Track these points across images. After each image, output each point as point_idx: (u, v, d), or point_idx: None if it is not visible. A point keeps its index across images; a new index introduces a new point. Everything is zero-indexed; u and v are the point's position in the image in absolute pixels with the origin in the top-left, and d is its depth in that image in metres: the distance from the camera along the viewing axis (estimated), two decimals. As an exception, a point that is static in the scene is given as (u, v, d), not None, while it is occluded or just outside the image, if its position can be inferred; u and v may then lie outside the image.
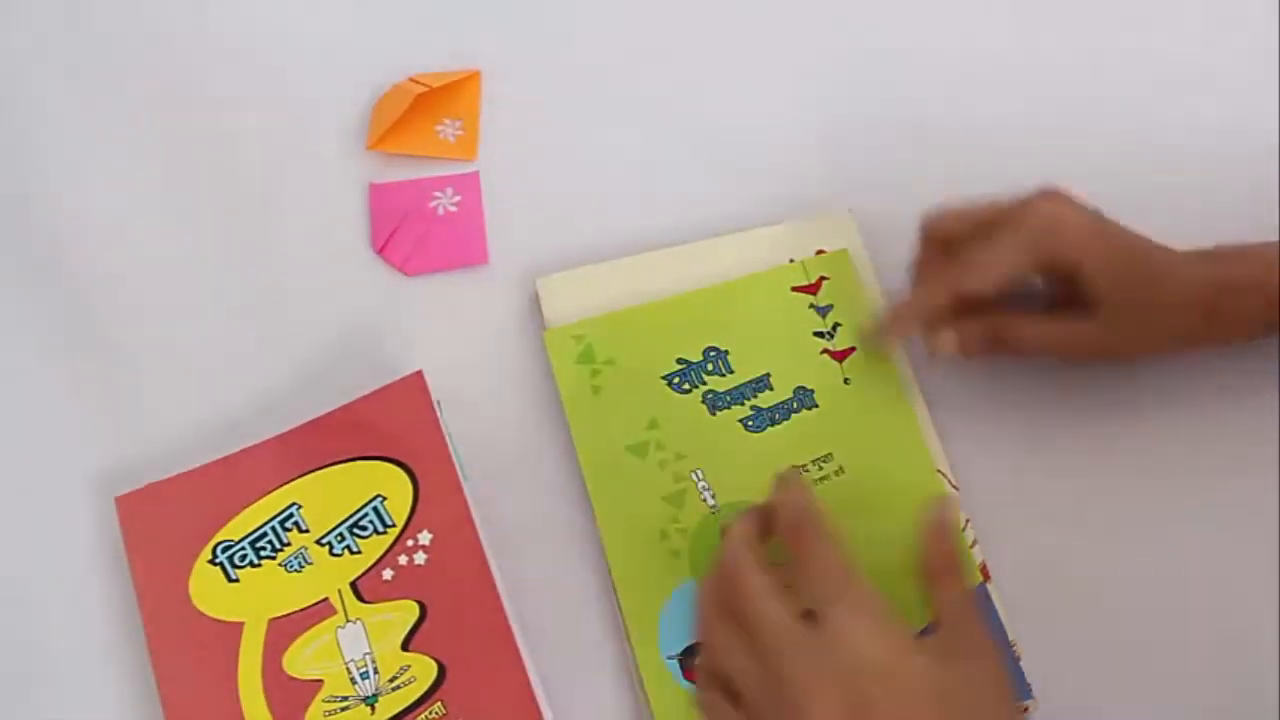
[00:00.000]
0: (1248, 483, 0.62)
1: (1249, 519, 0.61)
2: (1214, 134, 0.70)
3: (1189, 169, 0.68)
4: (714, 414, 0.63)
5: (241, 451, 0.61)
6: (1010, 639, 0.59)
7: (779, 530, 0.53)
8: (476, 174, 0.70)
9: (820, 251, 0.66)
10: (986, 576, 0.60)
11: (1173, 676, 0.59)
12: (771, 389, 0.63)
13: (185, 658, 0.58)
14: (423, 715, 0.57)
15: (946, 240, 0.62)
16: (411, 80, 0.71)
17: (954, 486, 0.62)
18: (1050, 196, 0.60)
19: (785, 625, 0.49)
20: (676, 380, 0.63)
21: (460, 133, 0.70)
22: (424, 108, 0.70)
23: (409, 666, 0.58)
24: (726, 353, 0.64)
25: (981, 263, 0.59)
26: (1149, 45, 0.72)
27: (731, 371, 0.63)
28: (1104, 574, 0.61)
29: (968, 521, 0.61)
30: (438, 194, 0.70)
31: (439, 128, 0.70)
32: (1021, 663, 0.58)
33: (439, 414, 0.61)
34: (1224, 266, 0.60)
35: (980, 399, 0.64)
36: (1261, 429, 0.63)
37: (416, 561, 0.59)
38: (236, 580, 0.59)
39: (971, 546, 0.60)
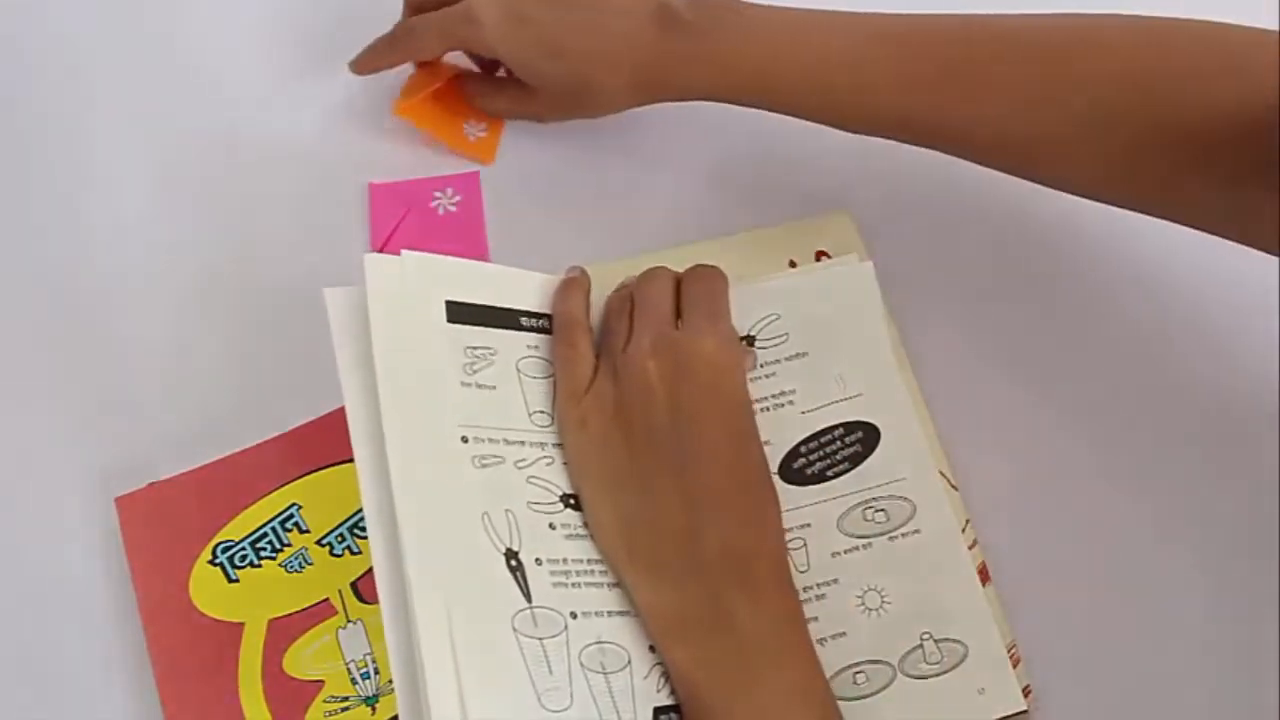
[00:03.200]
0: (1248, 483, 0.62)
1: (1249, 520, 0.61)
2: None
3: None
4: None
5: (241, 452, 0.61)
6: (1010, 639, 0.59)
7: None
8: (477, 174, 0.70)
9: (821, 253, 0.67)
10: (986, 577, 0.60)
11: (1173, 677, 0.59)
12: None
13: (185, 658, 0.58)
14: (424, 715, 0.57)
15: None
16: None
17: (954, 487, 0.62)
18: None
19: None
20: None
21: (483, 134, 0.70)
22: (456, 100, 0.71)
23: (410, 667, 0.58)
24: None
25: (415, 36, 0.68)
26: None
27: None
28: (1104, 574, 0.61)
29: (968, 522, 0.61)
30: (438, 194, 0.70)
31: (466, 125, 0.70)
32: (1022, 663, 0.58)
33: (439, 414, 0.61)
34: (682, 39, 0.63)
35: (980, 399, 0.64)
36: (1262, 429, 0.63)
37: (417, 562, 0.59)
38: (237, 581, 0.59)
39: (971, 547, 0.61)
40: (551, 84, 0.66)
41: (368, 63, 0.69)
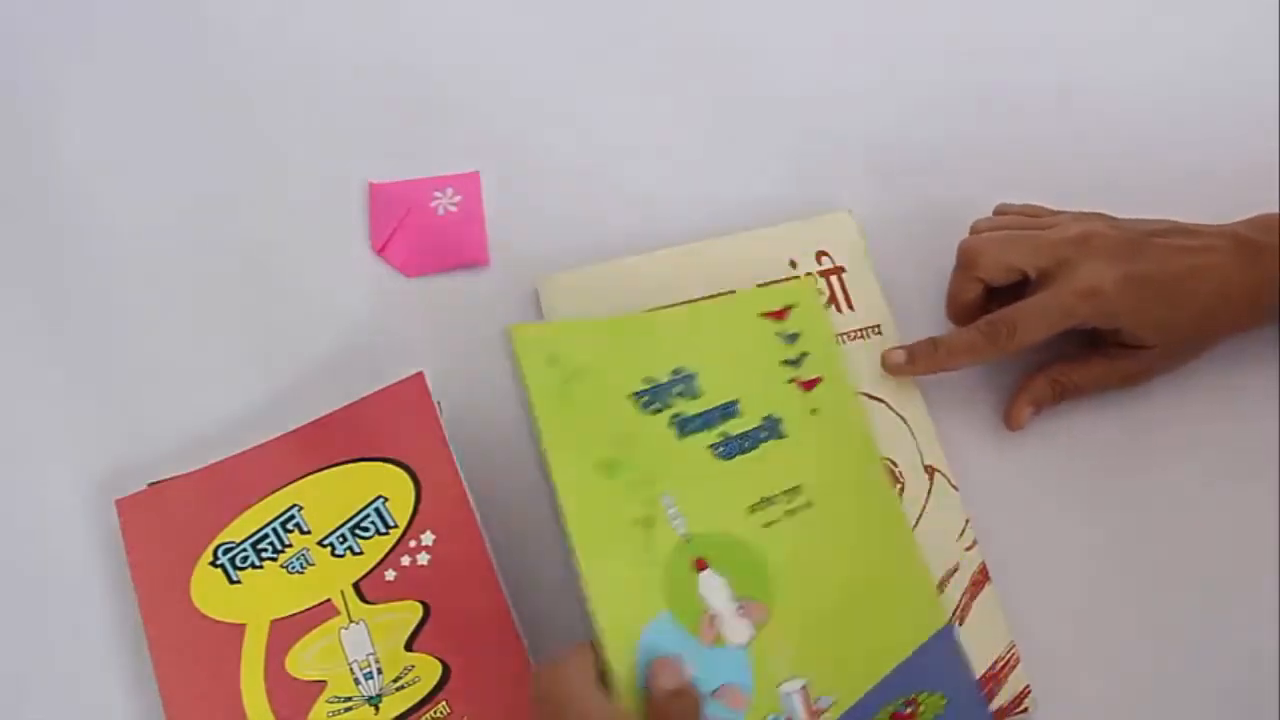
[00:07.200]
0: (1248, 483, 0.62)
1: (1249, 519, 0.61)
2: (1214, 133, 0.70)
3: (1191, 165, 0.69)
4: (682, 438, 0.60)
5: (242, 453, 0.61)
6: (1009, 639, 0.59)
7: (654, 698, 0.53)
8: (477, 174, 0.70)
9: (822, 253, 0.67)
10: (986, 577, 0.60)
11: (1173, 676, 0.59)
12: (740, 416, 0.61)
13: (187, 660, 0.58)
14: (427, 715, 0.57)
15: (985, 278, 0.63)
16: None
17: (954, 487, 0.62)
18: (1087, 251, 0.60)
19: None
20: (646, 400, 0.60)
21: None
22: None
23: (413, 667, 0.58)
24: (694, 375, 0.61)
25: (1020, 329, 0.61)
26: (1146, 37, 0.73)
27: (699, 395, 0.61)
28: (1104, 574, 0.61)
29: (968, 522, 0.61)
30: (438, 194, 0.70)
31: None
32: (1021, 663, 0.59)
33: (440, 415, 0.61)
34: (1266, 265, 0.60)
35: (980, 399, 0.65)
36: (1262, 430, 0.63)
37: (420, 562, 0.59)
38: (238, 582, 0.59)
39: (971, 547, 0.61)
40: (1175, 335, 0.62)
41: (942, 361, 0.63)
